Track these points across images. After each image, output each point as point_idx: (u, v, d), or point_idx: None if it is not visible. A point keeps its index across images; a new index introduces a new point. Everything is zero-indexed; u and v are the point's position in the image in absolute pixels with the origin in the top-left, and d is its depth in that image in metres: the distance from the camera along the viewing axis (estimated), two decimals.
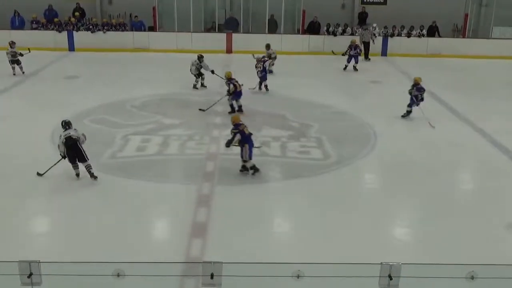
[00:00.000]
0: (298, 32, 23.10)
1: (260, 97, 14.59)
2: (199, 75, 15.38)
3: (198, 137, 11.20)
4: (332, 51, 19.87)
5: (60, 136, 8.98)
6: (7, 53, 16.63)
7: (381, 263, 4.43)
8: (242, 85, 13.19)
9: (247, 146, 9.10)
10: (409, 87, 12.86)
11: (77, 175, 8.99)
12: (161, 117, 12.52)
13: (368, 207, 8.29)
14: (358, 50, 18.84)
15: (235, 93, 12.93)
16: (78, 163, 8.93)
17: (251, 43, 20.85)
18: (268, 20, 22.83)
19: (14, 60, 16.56)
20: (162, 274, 4.74)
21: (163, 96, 14.59)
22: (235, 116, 9.81)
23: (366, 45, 21.02)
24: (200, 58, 15.26)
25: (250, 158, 9.21)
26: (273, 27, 22.92)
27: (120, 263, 4.50)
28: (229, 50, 21.61)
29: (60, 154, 9.00)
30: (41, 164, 9.33)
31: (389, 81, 17.32)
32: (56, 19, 21.73)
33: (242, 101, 13.08)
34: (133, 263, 4.75)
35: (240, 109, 13.04)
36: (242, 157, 9.17)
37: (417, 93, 12.59)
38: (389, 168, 9.97)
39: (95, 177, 8.93)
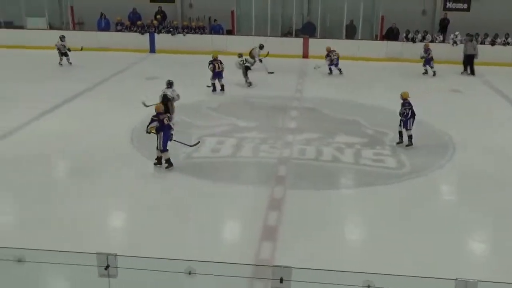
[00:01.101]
0: (376, 38, 22.74)
1: (334, 103, 14.48)
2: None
3: (271, 140, 11.27)
4: (421, 57, 19.19)
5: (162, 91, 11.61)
6: (56, 45, 18.67)
7: (456, 279, 4.28)
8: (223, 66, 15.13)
9: (161, 134, 9.40)
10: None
11: None
12: (236, 119, 12.69)
13: (442, 220, 8.03)
14: (429, 52, 18.39)
15: (215, 73, 14.93)
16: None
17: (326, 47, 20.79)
18: (347, 25, 22.61)
19: (62, 52, 18.63)
20: (232, 275, 4.79)
21: (239, 98, 14.78)
22: (158, 105, 10.04)
23: (469, 58, 19.17)
24: (241, 56, 16.45)
25: (163, 149, 9.46)
26: (351, 33, 22.68)
27: (192, 261, 4.59)
28: (305, 55, 21.59)
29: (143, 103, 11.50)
30: (121, 162, 9.73)
31: (470, 91, 16.69)
32: (139, 22, 22.55)
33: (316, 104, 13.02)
34: (204, 262, 4.84)
35: (222, 89, 15.15)
36: (156, 147, 9.52)
37: (403, 110, 11.04)
38: (466, 180, 9.63)
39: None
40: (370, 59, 20.50)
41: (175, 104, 11.99)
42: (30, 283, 4.94)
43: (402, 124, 11.08)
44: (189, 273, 4.52)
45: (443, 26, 22.14)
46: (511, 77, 18.27)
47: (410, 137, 11.03)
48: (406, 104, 11.07)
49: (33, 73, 17.59)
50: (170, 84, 12.00)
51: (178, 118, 12.52)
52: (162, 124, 9.48)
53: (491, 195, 8.88)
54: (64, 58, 18.72)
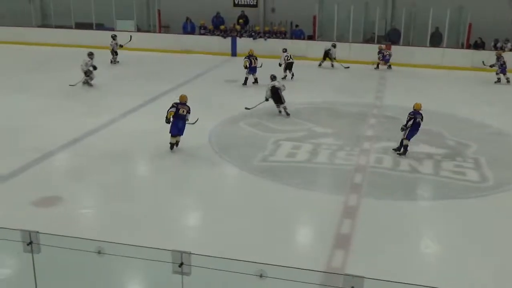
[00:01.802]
0: (462, 47, 21.95)
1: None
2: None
3: (348, 148, 11.15)
4: (483, 62, 18.64)
5: (268, 85, 13.31)
6: (110, 45, 19.89)
7: None
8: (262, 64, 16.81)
9: (174, 120, 10.56)
10: None
11: (280, 112, 13.35)
12: (313, 125, 12.66)
13: None
14: (502, 61, 17.92)
15: (250, 68, 16.52)
16: (279, 104, 13.25)
17: (410, 55, 20.31)
18: (432, 33, 21.95)
19: (114, 51, 19.98)
20: (302, 281, 4.78)
21: (317, 104, 14.74)
22: (183, 95, 10.96)
23: None
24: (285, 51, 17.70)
25: (172, 134, 10.59)
26: (436, 40, 21.99)
27: (263, 264, 4.62)
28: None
29: (265, 97, 13.29)
30: (197, 161, 9.97)
31: None
32: (222, 26, 22.98)
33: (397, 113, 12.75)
34: (275, 266, 4.86)
35: (256, 81, 16.73)
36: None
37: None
38: None
39: (289, 115, 13.16)
40: (455, 68, 19.85)
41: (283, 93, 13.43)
42: (107, 275, 5.16)
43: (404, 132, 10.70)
44: (260, 275, 4.55)
45: None
46: None
47: (404, 146, 10.66)
48: (411, 113, 10.71)
49: (120, 72, 18.36)
50: (274, 77, 13.73)
51: (255, 121, 12.68)
52: (176, 112, 10.48)
53: None
54: (115, 57, 20.10)
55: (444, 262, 7.08)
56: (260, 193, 9.04)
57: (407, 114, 10.75)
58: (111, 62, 19.99)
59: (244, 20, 23.41)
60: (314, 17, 22.83)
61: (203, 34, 23.20)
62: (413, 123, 10.65)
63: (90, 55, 15.90)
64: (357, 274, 4.41)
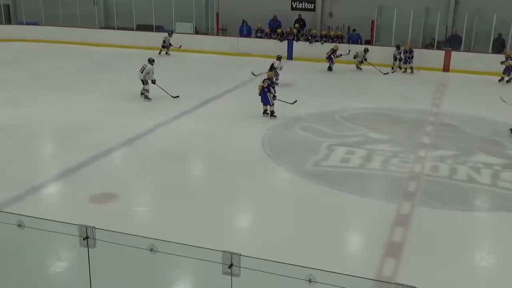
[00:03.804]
0: None
1: (474, 120, 13.73)
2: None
3: (403, 154, 10.96)
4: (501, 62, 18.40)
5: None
6: (164, 39, 22.41)
7: None
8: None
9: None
10: None
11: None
12: (368, 130, 12.52)
13: None
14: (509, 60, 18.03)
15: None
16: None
17: (471, 62, 19.77)
18: (495, 39, 21.28)
19: (165, 46, 22.41)
20: (351, 287, 4.74)
21: (373, 110, 14.57)
22: (269, 73, 14.13)
23: None
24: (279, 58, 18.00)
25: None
26: (498, 47, 21.31)
27: (313, 269, 4.61)
28: (446, 69, 20.70)
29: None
30: (251, 164, 10.05)
31: None
32: (279, 30, 23.04)
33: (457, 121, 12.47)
34: (324, 271, 4.83)
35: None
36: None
37: None
38: None
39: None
40: None
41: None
42: (158, 272, 5.27)
43: None
44: (309, 280, 4.54)
45: None
46: None
47: None
48: None
49: (176, 74, 18.70)
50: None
51: (309, 125, 12.66)
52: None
53: None
54: (164, 50, 22.43)
55: (499, 276, 6.86)
56: (311, 197, 9.01)
57: (465, 121, 10.50)
58: (160, 53, 22.07)
59: (301, 23, 23.39)
60: (372, 22, 22.57)
61: (260, 37, 23.34)
62: None
63: (152, 61, 14.77)
64: (408, 284, 4.33)
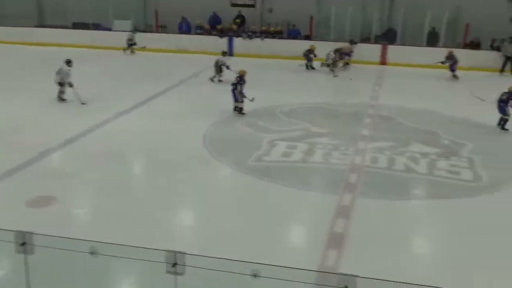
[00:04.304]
0: (459, 46, 21.98)
1: (410, 112, 14.15)
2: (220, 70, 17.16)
3: (343, 147, 11.17)
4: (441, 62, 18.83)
5: None
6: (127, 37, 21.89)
7: None
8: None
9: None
10: None
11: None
12: (308, 125, 12.68)
13: None
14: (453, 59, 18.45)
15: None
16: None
17: (407, 55, 20.34)
18: (429, 32, 21.99)
19: (130, 44, 22.01)
20: (296, 280, 4.80)
21: (312, 104, 14.76)
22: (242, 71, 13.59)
23: (511, 59, 19.84)
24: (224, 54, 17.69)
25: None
26: (432, 40, 22.04)
27: (257, 264, 4.63)
28: (383, 62, 21.24)
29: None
30: (193, 161, 10.01)
31: None
32: (219, 26, 22.99)
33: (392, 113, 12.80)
34: (269, 265, 4.87)
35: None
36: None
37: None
38: None
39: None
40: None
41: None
42: (101, 275, 5.17)
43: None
44: (254, 275, 4.56)
45: None
46: None
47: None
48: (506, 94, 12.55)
49: (115, 73, 18.36)
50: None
51: (250, 121, 12.70)
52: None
53: None
54: (129, 50, 22.00)
55: (437, 261, 7.11)
56: (254, 193, 9.06)
57: (401, 113, 10.82)
58: (125, 51, 21.99)
59: (241, 20, 23.42)
60: (311, 18, 22.86)
61: (200, 33, 23.22)
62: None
63: (68, 63, 14.16)
64: (351, 273, 4.43)
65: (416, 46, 21.49)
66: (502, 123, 12.59)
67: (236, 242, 7.27)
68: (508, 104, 12.49)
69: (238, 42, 22.50)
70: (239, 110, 13.30)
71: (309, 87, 17.00)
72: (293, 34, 22.75)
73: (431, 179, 9.76)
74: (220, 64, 17.08)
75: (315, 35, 23.10)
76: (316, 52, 19.67)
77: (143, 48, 21.76)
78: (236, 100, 13.26)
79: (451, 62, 18.49)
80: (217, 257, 4.87)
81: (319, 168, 10.25)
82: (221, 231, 7.60)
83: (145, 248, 4.71)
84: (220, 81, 16.97)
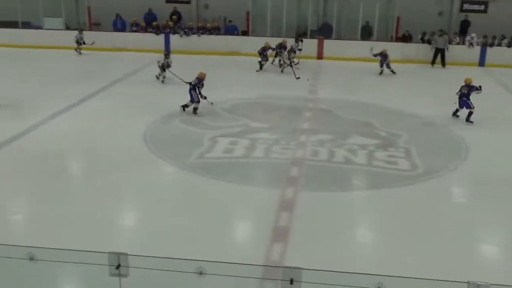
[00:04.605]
0: (392, 40, 22.63)
1: (348, 104, 14.44)
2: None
3: (284, 141, 11.26)
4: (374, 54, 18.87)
5: None
6: (76, 37, 21.07)
7: (468, 282, 4.24)
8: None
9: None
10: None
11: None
12: (249, 120, 12.71)
13: (454, 222, 7.96)
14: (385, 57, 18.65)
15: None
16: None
17: (342, 49, 20.74)
18: (363, 26, 22.51)
19: (80, 42, 21.17)
20: (242, 275, 4.80)
21: (252, 99, 14.80)
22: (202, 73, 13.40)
23: (442, 52, 20.56)
24: (166, 55, 16.78)
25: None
26: (366, 34, 22.59)
27: (202, 261, 4.60)
28: (320, 56, 21.56)
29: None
30: (133, 161, 9.82)
31: (484, 93, 16.51)
32: (154, 23, 22.66)
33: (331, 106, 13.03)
34: (214, 262, 4.85)
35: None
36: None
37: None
38: (479, 183, 9.55)
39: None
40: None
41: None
42: (41, 282, 4.99)
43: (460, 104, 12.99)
44: (200, 273, 4.53)
45: (464, 28, 21.99)
46: None
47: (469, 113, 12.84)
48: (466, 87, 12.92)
49: (48, 72, 17.78)
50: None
51: (190, 118, 12.60)
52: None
53: (506, 199, 8.79)
54: (79, 49, 21.14)
55: (379, 249, 7.29)
56: (197, 190, 8.99)
57: (339, 106, 11.00)
58: (77, 51, 21.28)
59: (177, 16, 23.18)
60: (248, 13, 22.91)
61: (135, 31, 22.81)
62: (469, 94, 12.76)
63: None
64: (296, 266, 4.46)
65: (351, 40, 21.93)
66: (467, 116, 12.94)
67: (180, 240, 7.20)
68: (470, 96, 12.87)
69: (175, 39, 22.27)
70: (193, 110, 13.15)
71: (249, 83, 17.04)
72: (230, 30, 22.73)
73: (370, 170, 9.99)
74: (161, 65, 16.51)
75: (252, 31, 23.16)
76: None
77: (92, 45, 20.84)
78: (192, 101, 13.12)
79: (381, 59, 18.67)
80: (162, 256, 4.81)
81: (261, 163, 10.29)
82: (164, 230, 7.50)
83: (85, 251, 4.58)
84: (162, 81, 16.54)
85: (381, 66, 18.46)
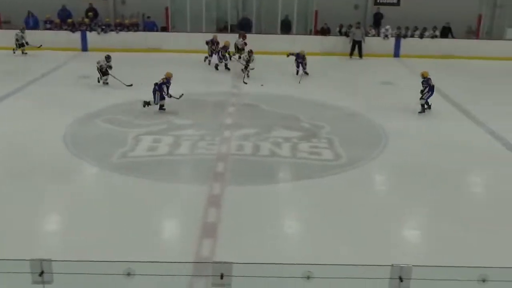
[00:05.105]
0: (311, 33, 23.06)
1: (271, 98, 14.59)
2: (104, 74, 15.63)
3: (209, 137, 11.22)
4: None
5: None
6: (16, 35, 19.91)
7: (392, 265, 4.40)
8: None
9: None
10: (418, 89, 13.07)
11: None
12: (173, 117, 12.57)
13: (378, 209, 8.24)
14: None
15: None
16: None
17: (263, 43, 20.89)
18: (282, 20, 22.79)
19: (20, 43, 19.98)
20: (171, 274, 4.74)
21: (174, 96, 14.58)
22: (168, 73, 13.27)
23: (359, 44, 21.21)
24: (108, 58, 15.66)
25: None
26: (286, 28, 22.89)
27: (130, 262, 4.51)
28: None
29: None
30: (54, 163, 9.46)
31: (400, 83, 17.25)
32: (69, 20, 21.88)
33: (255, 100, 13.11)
34: (143, 263, 4.76)
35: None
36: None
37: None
38: (400, 169, 9.92)
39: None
40: (306, 53, 20.75)
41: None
42: None
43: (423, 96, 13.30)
44: (128, 274, 4.44)
45: (377, 20, 22.77)
46: (438, 69, 18.97)
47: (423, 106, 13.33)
48: (424, 81, 13.30)
49: None
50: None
51: (112, 117, 12.31)
52: None
53: (424, 185, 9.19)
54: (20, 50, 20.07)
55: (307, 240, 7.42)
56: (122, 190, 8.79)
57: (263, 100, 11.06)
58: (14, 52, 20.08)
59: (93, 13, 22.49)
60: (166, 8, 22.60)
61: (49, 28, 21.93)
62: (430, 87, 13.19)
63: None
64: (226, 261, 4.46)
65: (271, 34, 22.15)
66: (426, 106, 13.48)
67: (107, 242, 7.01)
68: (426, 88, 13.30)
69: (92, 36, 21.60)
70: (160, 107, 12.95)
71: (173, 79, 16.79)
72: (149, 26, 22.33)
73: (295, 162, 10.15)
74: (100, 66, 15.57)
75: (172, 27, 22.89)
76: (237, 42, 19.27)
77: (39, 47, 19.72)
78: (155, 102, 12.93)
79: (297, 58, 17.97)
80: (88, 260, 4.66)
81: (186, 159, 10.20)
82: (90, 233, 7.27)
83: (6, 259, 4.37)
84: (105, 83, 15.62)
85: (297, 66, 18.25)
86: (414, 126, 12.45)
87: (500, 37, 23.07)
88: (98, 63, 15.58)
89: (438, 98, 14.04)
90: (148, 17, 22.43)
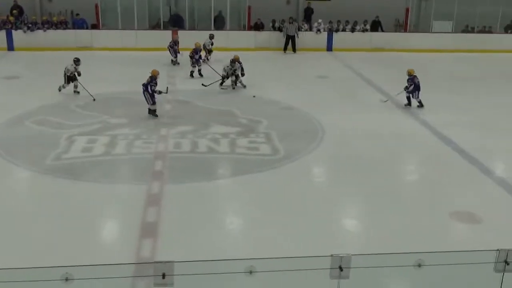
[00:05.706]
0: (244, 29, 23.12)
1: (207, 94, 14.53)
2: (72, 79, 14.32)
3: (145, 136, 11.06)
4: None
5: None
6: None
7: (332, 255, 4.48)
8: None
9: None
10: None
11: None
12: (107, 116, 12.28)
13: (316, 201, 8.39)
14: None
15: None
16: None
17: (197, 39, 20.75)
18: (216, 16, 22.73)
19: None
20: (112, 276, 4.65)
21: (109, 95, 14.30)
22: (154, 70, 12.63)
23: (292, 38, 21.47)
24: (76, 61, 14.29)
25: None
26: (220, 24, 22.84)
27: (68, 267, 4.38)
28: None
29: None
30: None
31: (335, 76, 17.59)
32: None
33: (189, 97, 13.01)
34: (81, 266, 4.64)
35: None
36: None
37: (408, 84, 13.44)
38: (337, 161, 10.13)
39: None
40: (240, 49, 20.76)
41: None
42: None
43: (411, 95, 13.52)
44: (66, 279, 4.32)
45: (307, 15, 23.09)
46: (370, 61, 19.53)
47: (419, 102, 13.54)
48: (409, 79, 13.42)
49: None
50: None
51: (42, 118, 11.91)
52: None
53: (360, 175, 9.41)
54: None
55: (249, 234, 7.46)
56: (57, 193, 8.51)
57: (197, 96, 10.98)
58: None
59: (18, 10, 21.60)
60: (96, 5, 22.04)
61: None
62: (415, 85, 13.31)
63: None
64: (167, 260, 4.41)
65: (205, 30, 22.02)
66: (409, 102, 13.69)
67: (44, 248, 6.79)
68: (408, 90, 13.47)
69: (18, 35, 20.76)
70: (152, 113, 12.32)
71: (103, 77, 16.42)
72: (79, 23, 21.70)
73: (233, 157, 10.16)
74: (70, 73, 14.23)
75: (103, 24, 22.34)
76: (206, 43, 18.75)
77: None
78: (148, 103, 12.32)
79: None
80: (24, 267, 4.50)
81: (123, 159, 10.01)
82: (24, 239, 7.02)
83: None
84: (76, 92, 14.35)
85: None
86: (349, 118, 12.71)
87: (427, 29, 23.92)
88: (66, 70, 14.16)
89: (371, 90, 14.41)
90: (77, 15, 21.80)
